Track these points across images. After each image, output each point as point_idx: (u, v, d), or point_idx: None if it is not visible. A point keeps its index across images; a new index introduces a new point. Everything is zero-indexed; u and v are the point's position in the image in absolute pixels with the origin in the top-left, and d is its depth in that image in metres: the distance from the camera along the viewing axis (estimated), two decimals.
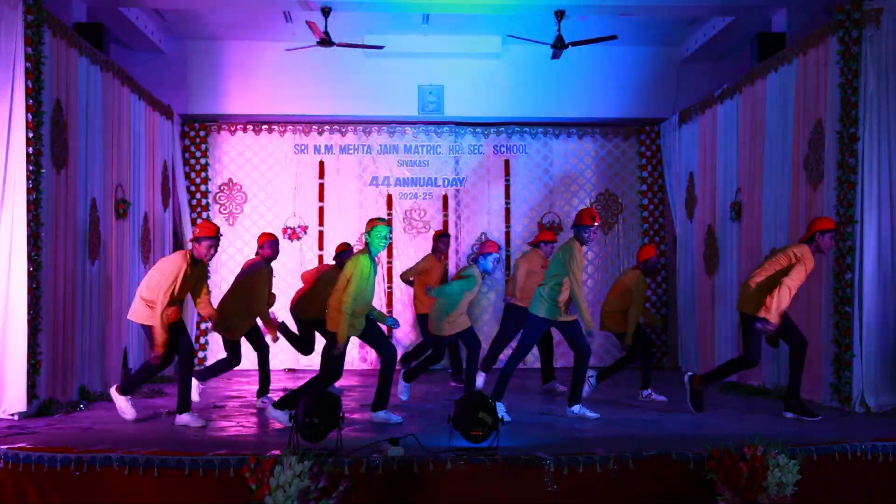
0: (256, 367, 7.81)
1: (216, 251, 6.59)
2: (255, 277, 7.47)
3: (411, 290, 11.15)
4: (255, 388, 8.86)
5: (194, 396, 7.30)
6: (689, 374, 7.26)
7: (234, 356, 7.58)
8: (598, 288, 11.27)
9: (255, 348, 7.71)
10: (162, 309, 6.30)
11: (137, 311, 6.52)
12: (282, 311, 9.77)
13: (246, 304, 7.41)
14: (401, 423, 6.48)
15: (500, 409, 6.64)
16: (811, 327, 7.52)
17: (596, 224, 6.85)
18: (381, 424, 6.43)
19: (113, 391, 6.61)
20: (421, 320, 9.39)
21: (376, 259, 6.58)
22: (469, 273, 7.61)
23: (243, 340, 7.62)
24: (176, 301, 6.43)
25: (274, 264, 7.83)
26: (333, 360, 6.37)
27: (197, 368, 7.93)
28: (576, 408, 6.85)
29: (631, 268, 8.37)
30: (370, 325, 6.63)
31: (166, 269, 6.40)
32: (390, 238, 6.47)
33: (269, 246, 7.66)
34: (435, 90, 11.07)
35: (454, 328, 7.67)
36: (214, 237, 6.51)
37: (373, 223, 6.47)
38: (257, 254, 7.72)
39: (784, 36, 8.93)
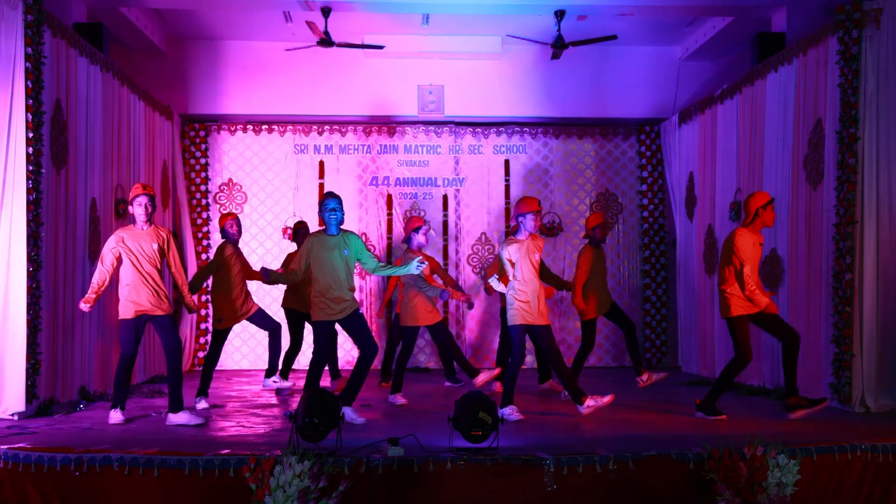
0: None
1: (147, 209, 6.45)
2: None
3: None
4: (255, 388, 8.90)
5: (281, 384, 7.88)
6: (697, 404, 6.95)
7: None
8: None
9: (266, 327, 7.79)
10: (99, 272, 6.40)
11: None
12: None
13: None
14: (364, 423, 6.39)
15: (512, 410, 6.65)
16: (811, 327, 7.52)
17: (539, 210, 6.83)
18: (379, 425, 6.42)
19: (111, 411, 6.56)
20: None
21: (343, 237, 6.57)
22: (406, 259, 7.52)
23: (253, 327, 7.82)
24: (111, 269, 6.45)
25: (273, 264, 7.90)
26: (316, 346, 6.56)
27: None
28: (589, 402, 6.75)
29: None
30: (357, 318, 6.62)
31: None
32: (341, 210, 6.39)
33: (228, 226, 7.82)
34: (435, 90, 11.07)
35: (426, 319, 7.68)
36: (142, 193, 6.45)
37: (322, 197, 6.58)
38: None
39: (784, 36, 8.93)
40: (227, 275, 7.60)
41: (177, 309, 9.08)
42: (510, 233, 6.88)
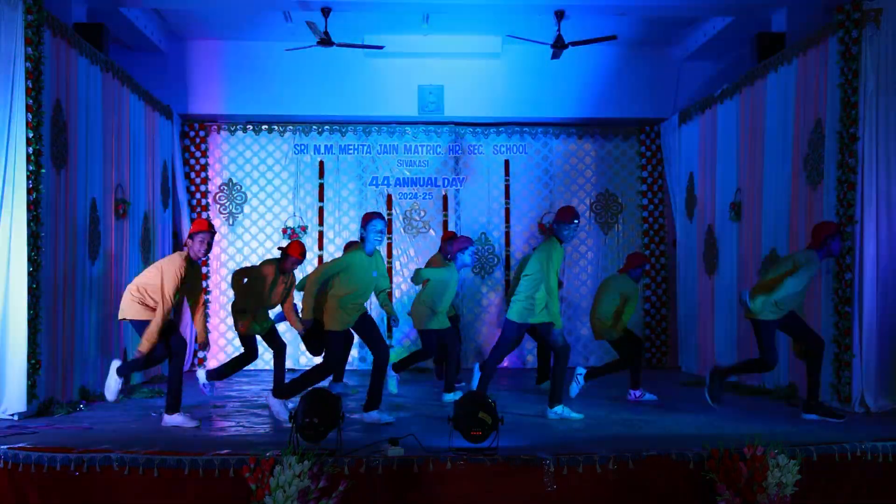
0: (252, 368, 7.85)
1: (210, 248, 6.48)
2: (257, 275, 7.65)
3: (411, 291, 11.17)
4: (255, 388, 8.90)
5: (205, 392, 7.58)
6: (711, 368, 7.09)
7: (248, 352, 7.70)
8: None
9: (271, 346, 7.76)
10: (165, 310, 6.28)
11: (128, 308, 6.46)
12: None
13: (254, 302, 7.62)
14: (392, 422, 6.45)
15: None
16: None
17: (576, 222, 6.85)
18: (379, 425, 6.42)
19: (113, 366, 6.49)
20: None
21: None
22: (449, 265, 8.07)
23: (259, 339, 7.74)
24: (172, 303, 6.41)
25: None
26: (332, 355, 6.48)
27: (211, 368, 8.00)
28: (558, 408, 6.81)
29: (618, 271, 8.28)
30: (367, 322, 6.65)
31: (169, 271, 6.31)
32: (385, 232, 6.57)
33: (292, 252, 7.68)
34: (435, 90, 11.07)
35: (439, 324, 7.94)
36: (207, 231, 6.43)
37: (368, 217, 6.54)
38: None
39: (784, 36, 8.93)
40: (261, 290, 7.56)
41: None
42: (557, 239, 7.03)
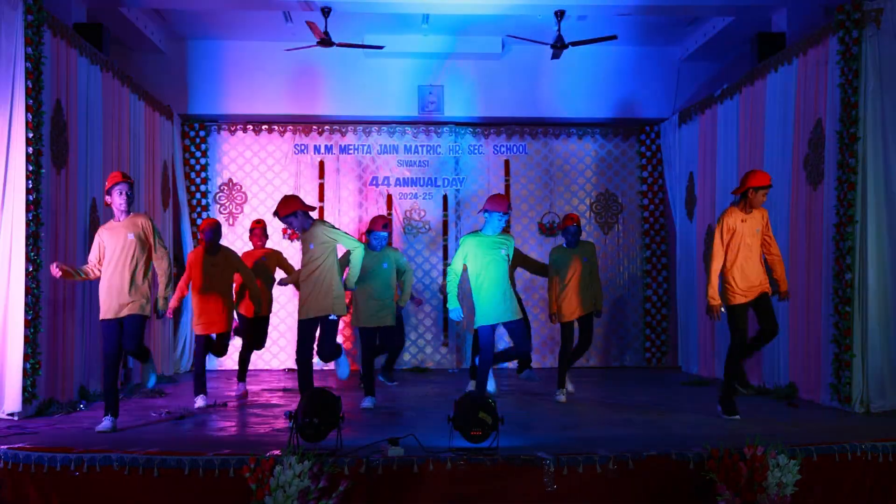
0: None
1: (127, 199, 6.09)
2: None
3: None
4: (255, 387, 8.91)
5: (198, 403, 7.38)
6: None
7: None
8: None
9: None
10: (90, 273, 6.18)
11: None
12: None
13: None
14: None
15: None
16: (811, 327, 7.52)
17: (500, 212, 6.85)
18: (379, 425, 6.42)
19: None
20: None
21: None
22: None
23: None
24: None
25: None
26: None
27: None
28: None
29: None
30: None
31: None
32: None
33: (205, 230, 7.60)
34: (435, 90, 11.07)
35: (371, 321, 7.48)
36: (122, 181, 6.07)
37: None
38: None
39: (784, 36, 8.93)
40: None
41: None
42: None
